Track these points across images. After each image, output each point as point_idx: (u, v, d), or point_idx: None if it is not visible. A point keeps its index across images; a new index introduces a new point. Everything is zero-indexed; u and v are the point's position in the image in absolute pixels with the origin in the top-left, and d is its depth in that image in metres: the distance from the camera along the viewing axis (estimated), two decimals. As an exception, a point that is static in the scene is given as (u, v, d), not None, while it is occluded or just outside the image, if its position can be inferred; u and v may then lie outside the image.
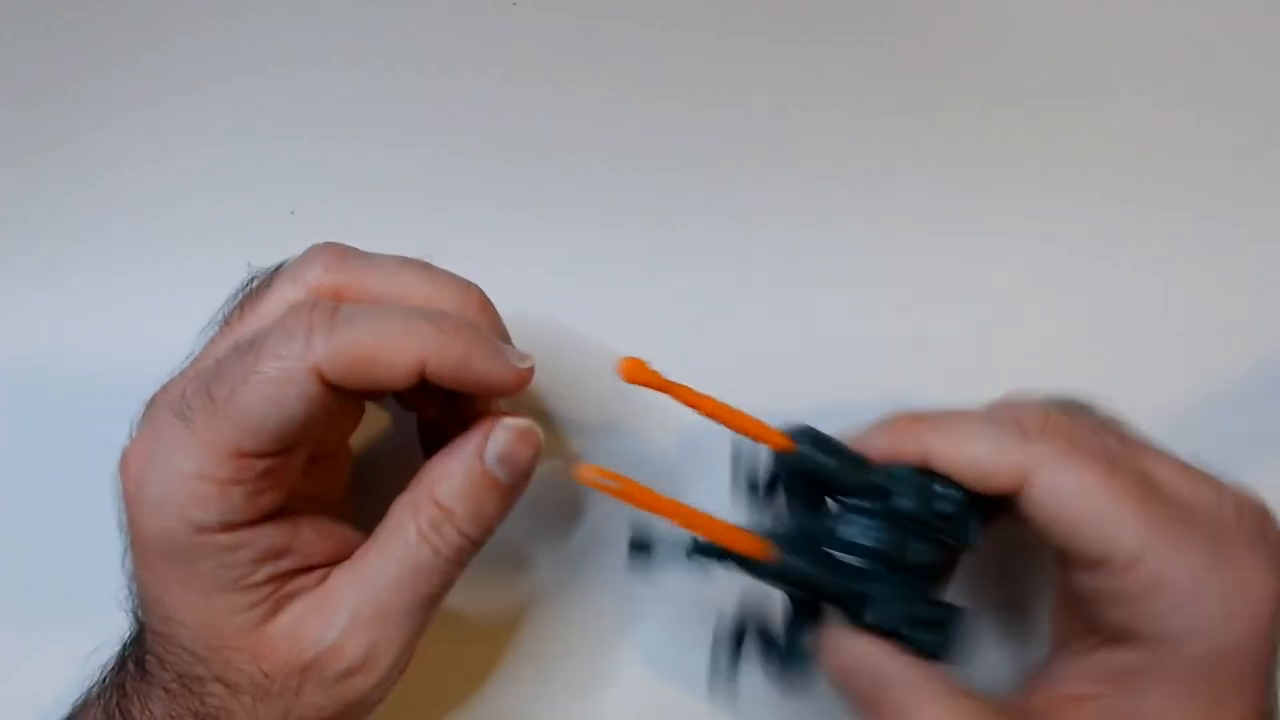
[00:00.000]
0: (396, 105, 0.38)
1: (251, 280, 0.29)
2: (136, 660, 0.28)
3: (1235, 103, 0.39)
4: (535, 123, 0.38)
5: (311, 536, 0.28)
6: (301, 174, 0.37)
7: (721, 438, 0.30)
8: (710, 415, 0.27)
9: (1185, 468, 0.27)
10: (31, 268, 0.37)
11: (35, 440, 0.36)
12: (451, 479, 0.27)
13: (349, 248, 0.28)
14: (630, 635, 0.35)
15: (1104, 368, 0.34)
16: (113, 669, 0.29)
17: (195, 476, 0.25)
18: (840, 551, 0.27)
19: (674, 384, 0.27)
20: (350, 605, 0.27)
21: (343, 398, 0.26)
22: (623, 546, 0.28)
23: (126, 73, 0.38)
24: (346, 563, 0.27)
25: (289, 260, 0.29)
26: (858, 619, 0.27)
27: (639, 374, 0.27)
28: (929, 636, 0.27)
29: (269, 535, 0.27)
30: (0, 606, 0.35)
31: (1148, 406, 0.30)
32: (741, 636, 0.30)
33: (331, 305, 0.26)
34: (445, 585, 0.27)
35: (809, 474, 0.28)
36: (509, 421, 0.27)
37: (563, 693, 0.35)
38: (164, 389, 0.28)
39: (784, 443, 0.27)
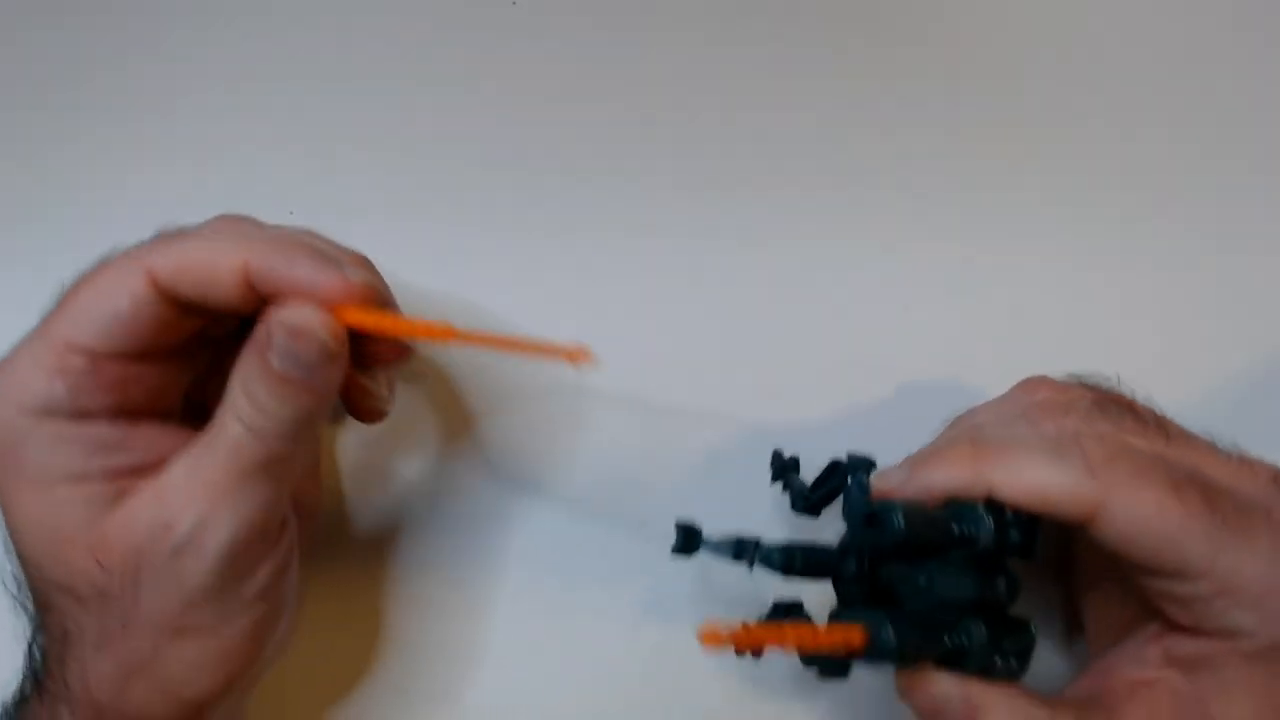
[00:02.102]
0: (395, 107, 0.38)
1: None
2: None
3: (1237, 105, 0.39)
4: (535, 124, 0.38)
5: (154, 436, 0.28)
6: (301, 175, 0.37)
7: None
8: None
9: (1220, 455, 0.28)
10: (32, 269, 0.37)
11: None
12: (249, 374, 0.27)
13: (247, 218, 0.29)
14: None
15: (1108, 370, 0.33)
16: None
17: (27, 364, 0.27)
18: (933, 607, 0.27)
19: None
20: (178, 484, 0.27)
21: (182, 311, 0.27)
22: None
23: (128, 74, 0.38)
24: (182, 450, 0.27)
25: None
26: (955, 668, 0.27)
27: None
28: (1013, 663, 0.27)
29: (99, 429, 0.27)
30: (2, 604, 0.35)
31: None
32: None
33: (182, 228, 0.28)
34: (273, 458, 0.27)
35: (898, 548, 0.27)
36: (280, 316, 0.26)
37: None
38: None
39: (871, 525, 0.26)
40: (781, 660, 0.31)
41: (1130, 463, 0.26)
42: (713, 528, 0.31)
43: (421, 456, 0.36)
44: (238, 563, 0.27)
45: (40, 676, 0.27)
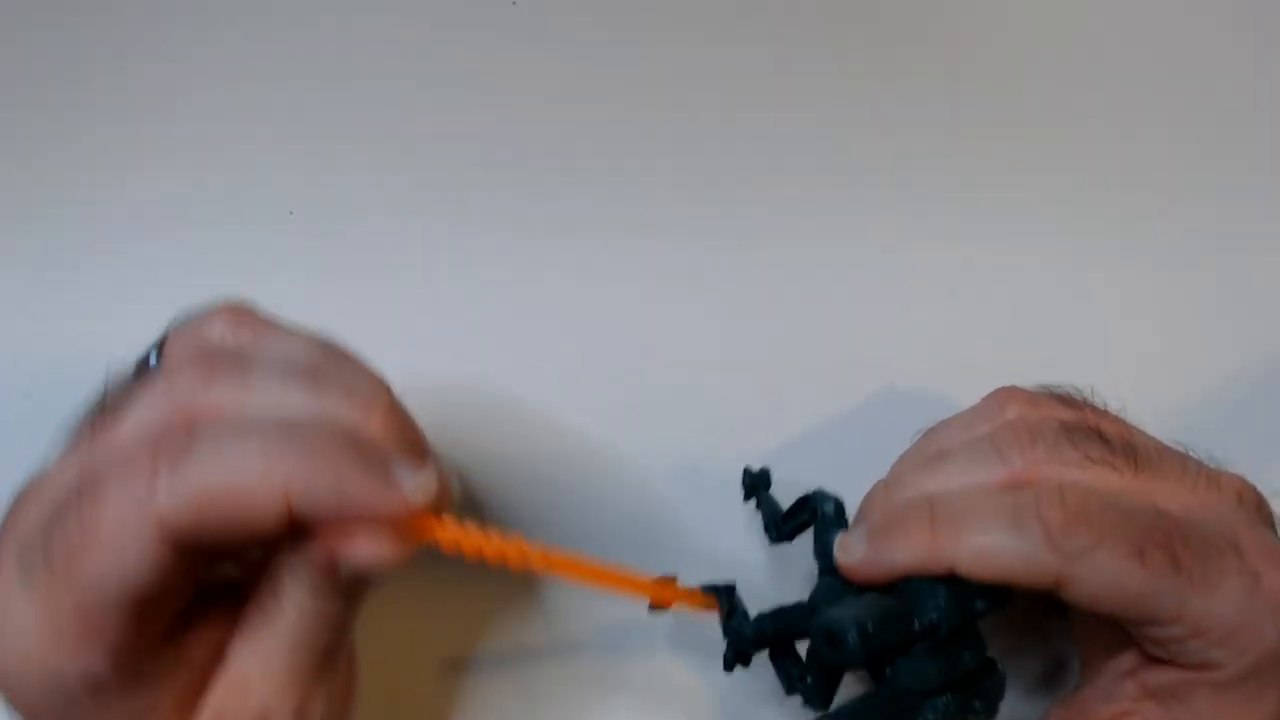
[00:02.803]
0: (395, 107, 0.38)
1: (107, 387, 0.26)
2: None
3: (1237, 105, 0.39)
4: (535, 124, 0.38)
5: (201, 635, 0.25)
6: (301, 175, 0.37)
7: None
8: None
9: (1188, 478, 0.28)
10: (31, 270, 0.37)
11: (35, 446, 0.36)
12: (308, 579, 0.24)
13: (224, 351, 0.25)
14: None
15: (1108, 370, 0.34)
16: None
17: (44, 645, 0.23)
18: (904, 695, 0.27)
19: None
20: (260, 675, 0.25)
21: (204, 551, 0.23)
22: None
23: (128, 74, 0.38)
24: (241, 636, 0.25)
25: (155, 358, 0.26)
26: None
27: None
28: (981, 716, 0.27)
29: (152, 666, 0.24)
30: None
31: (1149, 410, 0.30)
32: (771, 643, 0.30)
33: (182, 439, 0.23)
34: (344, 629, 0.26)
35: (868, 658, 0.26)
36: (351, 559, 0.23)
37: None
38: (13, 515, 0.24)
39: (832, 644, 0.26)
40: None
41: (1091, 531, 0.26)
42: (712, 530, 0.31)
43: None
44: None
45: None
